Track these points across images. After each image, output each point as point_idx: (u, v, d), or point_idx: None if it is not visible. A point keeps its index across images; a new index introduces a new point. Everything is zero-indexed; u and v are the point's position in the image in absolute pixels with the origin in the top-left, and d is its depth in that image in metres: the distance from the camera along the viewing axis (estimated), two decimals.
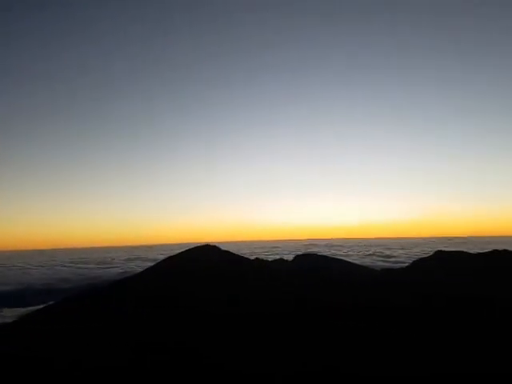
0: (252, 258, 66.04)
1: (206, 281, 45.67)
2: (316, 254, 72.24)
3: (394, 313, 30.83)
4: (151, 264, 69.66)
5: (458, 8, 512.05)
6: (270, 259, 72.99)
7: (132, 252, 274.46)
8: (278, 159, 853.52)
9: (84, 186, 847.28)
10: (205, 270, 50.06)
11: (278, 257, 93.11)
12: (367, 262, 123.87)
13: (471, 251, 59.17)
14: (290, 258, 76.77)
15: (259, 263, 58.94)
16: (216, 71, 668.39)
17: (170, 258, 60.28)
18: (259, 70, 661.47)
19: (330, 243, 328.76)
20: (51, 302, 50.89)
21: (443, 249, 60.39)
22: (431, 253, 59.01)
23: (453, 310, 31.25)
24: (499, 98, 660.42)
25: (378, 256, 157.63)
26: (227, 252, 59.80)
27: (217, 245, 63.07)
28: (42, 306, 51.59)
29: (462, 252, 57.24)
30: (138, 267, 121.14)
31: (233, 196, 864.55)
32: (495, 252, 51.00)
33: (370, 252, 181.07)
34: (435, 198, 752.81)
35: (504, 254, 49.75)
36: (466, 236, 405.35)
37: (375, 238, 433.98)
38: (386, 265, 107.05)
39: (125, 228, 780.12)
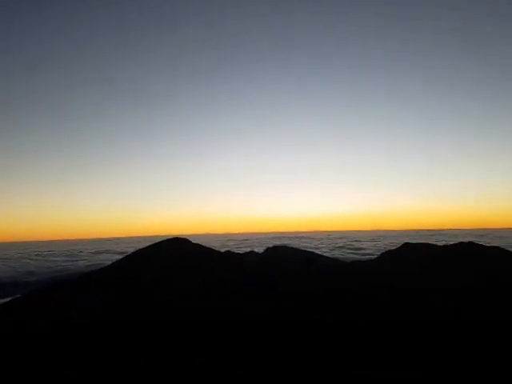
0: (223, 250, 65.20)
1: (175, 273, 44.98)
2: (286, 246, 72.30)
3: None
4: (120, 257, 67.88)
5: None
6: (241, 252, 72.27)
7: (100, 245, 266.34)
8: (248, 152, 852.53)
9: (50, 178, 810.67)
10: (174, 263, 49.28)
11: (249, 249, 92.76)
12: (337, 254, 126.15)
13: (438, 243, 61.03)
14: (260, 250, 76.42)
15: (230, 256, 58.23)
16: (201, 61, 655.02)
17: (139, 250, 59.11)
18: (240, 59, 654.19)
19: (300, 236, 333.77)
20: (17, 295, 50.20)
21: (411, 241, 61.68)
22: (399, 245, 60.28)
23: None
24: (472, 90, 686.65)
25: (348, 248, 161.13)
26: (197, 245, 58.93)
27: (187, 238, 61.99)
28: (7, 300, 49.41)
29: (428, 244, 58.93)
30: (107, 260, 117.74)
31: (204, 189, 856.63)
32: (460, 244, 52.65)
33: (340, 244, 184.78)
34: (405, 192, 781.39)
35: (469, 245, 51.42)
36: (434, 229, 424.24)
37: (345, 231, 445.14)
38: (356, 257, 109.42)
39: (93, 221, 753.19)
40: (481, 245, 52.63)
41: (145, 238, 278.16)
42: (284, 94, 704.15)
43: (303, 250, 68.84)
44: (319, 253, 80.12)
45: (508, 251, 50.21)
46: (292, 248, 72.73)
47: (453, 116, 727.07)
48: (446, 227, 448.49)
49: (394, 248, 60.45)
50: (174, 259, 50.50)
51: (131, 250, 69.72)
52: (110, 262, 68.95)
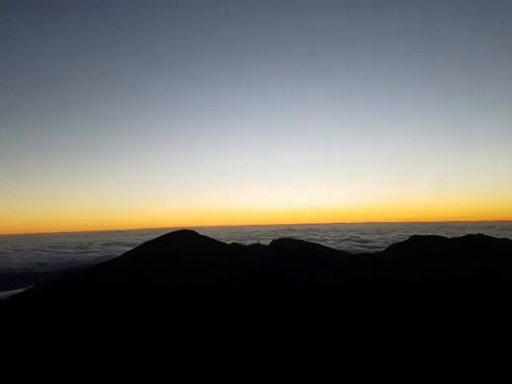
0: (229, 242, 65.43)
1: (182, 264, 45.29)
2: (292, 239, 72.05)
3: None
4: (129, 248, 68.40)
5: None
6: (247, 244, 72.44)
7: (110, 237, 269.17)
8: (257, 146, 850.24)
9: (64, 173, 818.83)
10: (181, 254, 49.52)
11: (255, 241, 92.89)
12: (344, 246, 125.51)
13: (447, 236, 60.58)
14: (266, 242, 76.52)
15: (235, 248, 58.40)
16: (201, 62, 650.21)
17: (148, 242, 59.60)
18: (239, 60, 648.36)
19: (307, 228, 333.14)
20: (29, 287, 50.77)
21: (419, 234, 61.23)
22: (407, 237, 59.90)
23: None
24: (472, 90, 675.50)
25: (355, 241, 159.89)
26: (204, 237, 59.18)
27: (195, 230, 62.29)
28: (20, 290, 50.56)
29: (436, 236, 58.44)
30: (116, 252, 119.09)
31: (212, 182, 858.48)
32: (469, 236, 52.20)
33: (347, 237, 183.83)
34: (412, 184, 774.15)
35: (478, 237, 50.96)
36: (441, 221, 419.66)
37: (352, 223, 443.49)
38: (363, 249, 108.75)
39: (103, 213, 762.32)
40: (490, 237, 52.10)
41: (154, 231, 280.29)
42: (291, 90, 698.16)
43: (308, 243, 68.69)
44: (325, 245, 79.69)
45: None
46: (297, 240, 72.49)
47: (459, 109, 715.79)
48: (454, 219, 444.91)
49: (401, 241, 60.07)
50: (181, 251, 50.76)
51: (140, 242, 70.29)
52: (119, 254, 69.84)
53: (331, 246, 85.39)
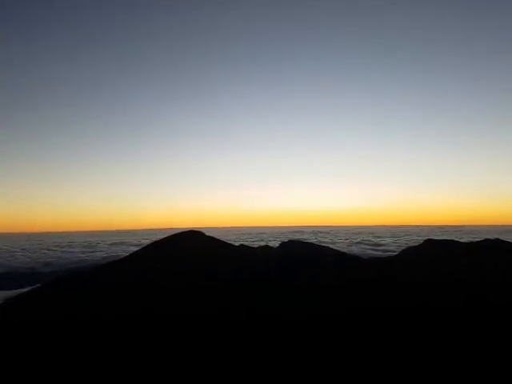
0: (237, 244, 64.53)
1: (188, 265, 44.71)
2: (301, 241, 70.90)
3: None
4: (136, 249, 68.20)
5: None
6: (255, 246, 71.44)
7: (117, 237, 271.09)
8: (267, 147, 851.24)
9: (70, 172, 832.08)
10: (187, 255, 48.90)
11: (263, 243, 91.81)
12: (355, 250, 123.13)
13: (462, 240, 58.52)
14: (275, 244, 75.39)
15: (243, 249, 57.46)
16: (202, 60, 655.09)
17: (155, 242, 59.45)
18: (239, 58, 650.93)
19: (317, 230, 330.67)
20: (37, 285, 51.02)
21: (433, 238, 59.37)
22: (421, 241, 58.12)
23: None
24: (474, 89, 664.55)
25: (366, 244, 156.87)
26: (212, 238, 58.52)
27: (202, 231, 61.66)
28: (26, 290, 50.41)
29: (452, 241, 56.48)
30: (123, 252, 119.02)
31: (220, 182, 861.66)
32: (486, 241, 50.18)
33: (358, 240, 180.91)
34: (426, 187, 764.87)
35: (496, 242, 48.92)
36: (456, 225, 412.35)
37: (363, 226, 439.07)
38: (375, 253, 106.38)
39: (111, 213, 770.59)
40: (507, 242, 50.09)
41: (161, 231, 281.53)
42: (296, 90, 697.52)
43: (319, 246, 67.46)
44: (336, 248, 78.23)
45: None
46: (307, 243, 71.52)
47: (477, 107, 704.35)
48: (471, 223, 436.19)
49: (415, 244, 58.26)
50: (188, 252, 50.09)
51: (147, 242, 69.98)
52: (125, 254, 69.60)
53: (342, 250, 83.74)
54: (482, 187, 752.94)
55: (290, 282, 37.79)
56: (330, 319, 25.53)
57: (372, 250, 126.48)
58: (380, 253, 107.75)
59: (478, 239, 53.06)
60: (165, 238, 58.89)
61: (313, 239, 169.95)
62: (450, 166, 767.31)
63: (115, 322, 26.52)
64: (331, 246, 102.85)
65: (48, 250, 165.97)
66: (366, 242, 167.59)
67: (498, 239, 49.62)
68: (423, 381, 17.10)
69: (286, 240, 70.19)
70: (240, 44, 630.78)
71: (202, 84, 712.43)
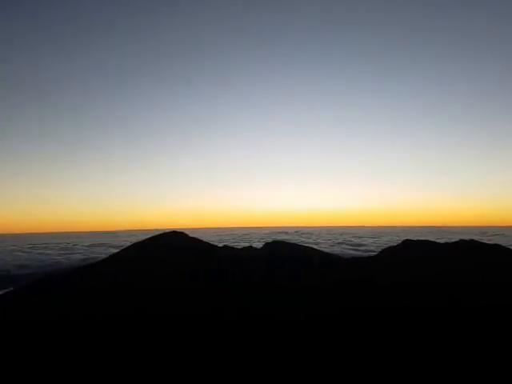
0: (221, 245, 64.57)
1: (170, 266, 44.43)
2: (285, 242, 71.48)
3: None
4: (116, 250, 67.21)
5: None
6: (239, 247, 71.61)
7: (96, 238, 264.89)
8: (251, 147, 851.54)
9: (47, 171, 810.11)
10: (170, 256, 48.62)
11: (247, 244, 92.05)
12: (337, 250, 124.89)
13: (439, 241, 60.31)
14: (259, 245, 75.76)
15: (227, 250, 57.55)
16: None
17: (136, 244, 58.76)
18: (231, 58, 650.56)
19: (300, 231, 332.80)
20: (10, 288, 50.11)
21: (412, 238, 60.85)
22: (399, 242, 59.50)
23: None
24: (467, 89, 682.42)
25: (348, 244, 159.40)
26: (195, 239, 58.35)
27: (185, 232, 61.43)
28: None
29: (428, 241, 58.07)
30: (102, 254, 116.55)
31: (203, 183, 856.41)
32: (461, 241, 51.87)
33: (340, 240, 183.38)
34: (407, 189, 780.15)
35: (469, 243, 50.64)
36: (435, 226, 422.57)
37: (345, 226, 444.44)
38: (356, 253, 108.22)
39: (89, 213, 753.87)
40: (481, 242, 51.89)
41: (143, 232, 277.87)
42: (284, 90, 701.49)
43: (302, 246, 68.21)
44: (318, 249, 79.17)
45: (508, 249, 49.50)
46: (291, 244, 72.03)
47: (453, 115, 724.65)
48: (447, 224, 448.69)
49: (394, 245, 59.64)
50: (170, 253, 49.83)
51: (128, 244, 69.16)
52: (105, 256, 68.26)
53: (324, 250, 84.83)
54: (458, 189, 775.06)
55: (274, 282, 38.05)
56: (315, 320, 25.88)
57: (353, 250, 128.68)
58: (360, 253, 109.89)
59: (453, 240, 54.84)
60: (146, 239, 58.36)
61: (296, 240, 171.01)
62: (428, 168, 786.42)
63: (81, 325, 26.13)
64: (314, 246, 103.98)
65: (23, 251, 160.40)
66: (348, 242, 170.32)
67: (472, 240, 51.47)
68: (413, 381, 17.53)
69: (270, 241, 70.64)
70: (238, 44, 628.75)
71: (184, 84, 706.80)
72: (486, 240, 61.51)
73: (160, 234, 59.23)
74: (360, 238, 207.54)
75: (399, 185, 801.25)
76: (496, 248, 48.26)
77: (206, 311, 28.48)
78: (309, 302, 30.69)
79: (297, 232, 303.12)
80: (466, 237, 58.00)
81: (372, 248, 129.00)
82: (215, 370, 19.25)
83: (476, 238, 55.44)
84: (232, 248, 63.17)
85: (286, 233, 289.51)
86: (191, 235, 60.49)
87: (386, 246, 72.04)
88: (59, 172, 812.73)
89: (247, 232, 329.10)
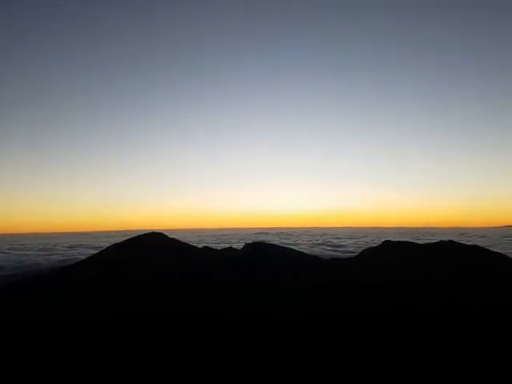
0: (200, 246, 63.66)
1: (150, 267, 43.40)
2: (265, 243, 71.26)
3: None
4: (95, 251, 65.55)
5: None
6: (219, 248, 70.78)
7: (75, 239, 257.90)
8: (230, 147, 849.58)
9: (25, 172, 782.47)
10: (148, 258, 47.53)
11: (227, 245, 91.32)
12: (317, 251, 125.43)
13: (419, 241, 61.34)
14: (239, 246, 75.22)
15: (206, 251, 56.79)
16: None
17: (116, 245, 57.47)
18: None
19: (281, 232, 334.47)
20: None
21: (392, 239, 61.73)
22: (379, 242, 60.16)
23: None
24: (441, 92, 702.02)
25: (328, 245, 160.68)
26: (174, 240, 57.33)
27: (164, 233, 60.23)
28: None
29: (407, 242, 58.94)
30: (81, 255, 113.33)
31: (183, 183, 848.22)
32: (440, 242, 52.82)
33: (320, 241, 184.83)
34: (387, 190, 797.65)
35: (449, 244, 51.60)
36: (416, 227, 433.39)
37: (325, 227, 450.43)
38: (336, 254, 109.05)
39: (68, 214, 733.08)
40: (459, 243, 52.98)
41: (121, 233, 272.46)
42: (263, 91, 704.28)
43: (282, 247, 68.10)
44: (298, 249, 79.23)
45: (486, 249, 50.73)
46: (271, 245, 71.78)
47: (428, 117, 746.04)
48: (428, 225, 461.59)
49: (374, 246, 60.21)
50: (149, 254, 48.72)
51: (107, 245, 67.36)
52: (84, 257, 66.52)
53: (304, 251, 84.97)
54: (437, 191, 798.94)
55: (254, 284, 37.64)
56: (293, 322, 25.57)
57: (333, 251, 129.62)
58: (340, 254, 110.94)
59: (433, 241, 55.89)
60: (125, 240, 57.16)
61: (277, 241, 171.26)
62: (407, 170, 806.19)
63: (54, 327, 25.30)
64: (294, 247, 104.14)
65: (1, 252, 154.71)
66: (328, 243, 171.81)
67: (451, 241, 52.47)
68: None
69: (250, 242, 70.23)
70: (234, 46, 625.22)
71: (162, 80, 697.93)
72: (464, 241, 62.94)
73: (139, 235, 58.01)
74: (339, 238, 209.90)
75: (378, 187, 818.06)
76: (474, 249, 49.31)
77: (183, 311, 27.88)
78: (289, 304, 30.36)
79: (277, 233, 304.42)
80: (445, 238, 59.05)
81: (351, 249, 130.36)
82: (193, 371, 18.71)
83: (455, 239, 56.53)
84: (211, 249, 62.41)
85: (267, 234, 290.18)
86: (170, 236, 59.30)
87: (366, 246, 72.86)
88: (38, 172, 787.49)
89: (227, 233, 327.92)
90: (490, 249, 54.47)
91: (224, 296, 32.83)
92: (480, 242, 75.27)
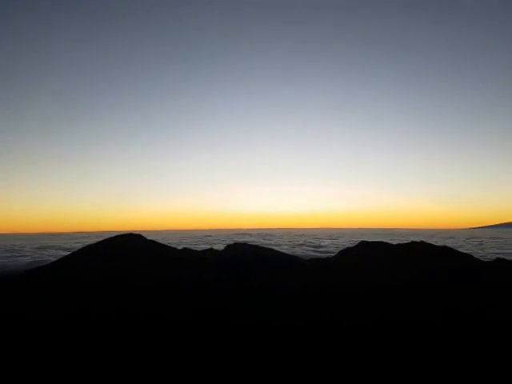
0: (180, 247, 63.22)
1: (127, 270, 42.73)
2: (247, 244, 71.31)
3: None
4: (66, 253, 63.82)
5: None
6: (199, 249, 70.46)
7: (45, 240, 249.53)
8: (212, 149, 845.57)
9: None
10: (126, 260, 46.74)
11: (208, 246, 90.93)
12: (298, 251, 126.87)
13: (393, 242, 62.96)
14: (221, 247, 75.08)
15: (186, 253, 56.41)
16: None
17: (89, 246, 55.95)
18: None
19: (262, 233, 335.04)
20: None
21: (368, 240, 63.07)
22: (356, 243, 61.34)
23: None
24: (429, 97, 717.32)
25: (308, 246, 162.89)
26: (153, 242, 56.54)
27: (143, 234, 59.34)
28: None
29: (382, 242, 60.39)
30: (51, 257, 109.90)
31: (163, 184, 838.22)
32: (412, 243, 54.41)
33: (301, 242, 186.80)
34: (364, 192, 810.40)
35: (420, 244, 53.25)
36: (391, 228, 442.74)
37: (306, 228, 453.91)
38: (316, 254, 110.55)
39: (38, 214, 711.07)
40: (430, 244, 54.71)
41: (96, 234, 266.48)
42: (238, 90, 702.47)
43: (264, 248, 68.40)
44: (279, 250, 79.81)
45: (453, 250, 52.69)
46: (253, 246, 72.00)
47: (399, 121, 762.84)
48: (402, 227, 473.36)
49: (351, 246, 61.38)
50: (127, 256, 48.01)
51: (79, 246, 65.85)
52: (53, 259, 64.43)
53: (286, 251, 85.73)
54: (409, 194, 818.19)
55: (236, 285, 37.66)
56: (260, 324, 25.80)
57: (313, 251, 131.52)
58: (319, 254, 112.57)
59: (405, 241, 57.50)
60: (99, 241, 55.79)
61: (259, 242, 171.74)
62: (381, 173, 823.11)
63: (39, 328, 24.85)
64: (276, 248, 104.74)
65: None
66: (308, 243, 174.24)
67: (422, 242, 54.16)
68: None
69: (232, 243, 70.22)
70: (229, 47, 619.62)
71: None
72: (433, 242, 65.10)
73: (115, 237, 56.77)
74: (319, 239, 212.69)
75: (355, 188, 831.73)
76: (444, 250, 51.05)
77: (156, 311, 27.76)
78: (276, 305, 30.39)
79: (259, 234, 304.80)
80: (417, 238, 60.92)
81: (331, 249, 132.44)
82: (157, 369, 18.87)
83: (425, 239, 58.40)
84: (191, 250, 61.93)
85: (249, 235, 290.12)
86: (149, 238, 58.53)
87: (344, 246, 74.15)
88: (7, 172, 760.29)
89: (209, 234, 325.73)
90: (459, 249, 56.55)
91: (200, 298, 32.86)
92: (448, 243, 77.93)
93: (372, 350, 20.92)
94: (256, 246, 72.52)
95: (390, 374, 18.33)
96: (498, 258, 50.68)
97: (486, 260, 56.56)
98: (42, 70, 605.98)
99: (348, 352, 20.72)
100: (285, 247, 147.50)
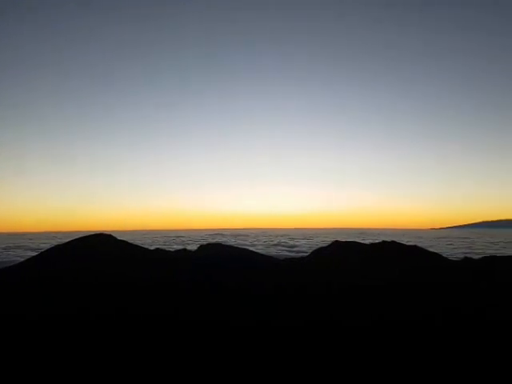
0: (152, 248, 61.95)
1: (95, 272, 41.32)
2: (221, 244, 70.99)
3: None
4: (33, 254, 61.42)
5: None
6: (172, 249, 69.35)
7: (12, 240, 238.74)
8: (187, 147, 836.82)
9: None
10: (96, 261, 45.24)
11: (181, 247, 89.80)
12: (272, 251, 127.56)
13: (365, 241, 64.48)
14: (193, 247, 74.22)
15: (159, 253, 55.34)
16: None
17: (57, 247, 54.15)
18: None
19: (236, 233, 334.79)
20: None
21: (341, 239, 64.27)
22: (329, 242, 62.33)
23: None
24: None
25: (283, 246, 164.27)
26: (124, 242, 55.18)
27: (113, 234, 57.78)
28: None
29: (355, 242, 61.76)
30: (18, 257, 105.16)
31: (134, 181, 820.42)
32: (383, 242, 55.91)
33: (275, 242, 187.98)
34: (337, 193, 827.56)
35: (391, 244, 54.76)
36: (363, 228, 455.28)
37: (280, 228, 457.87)
38: (290, 254, 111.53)
39: (5, 214, 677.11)
40: (401, 243, 56.41)
41: (65, 234, 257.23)
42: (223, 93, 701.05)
43: (238, 248, 68.26)
44: (254, 250, 79.85)
45: (423, 249, 54.64)
46: (226, 246, 71.66)
47: (372, 120, 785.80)
48: (370, 226, 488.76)
49: (325, 246, 62.26)
50: (96, 258, 46.41)
51: (47, 246, 63.30)
52: (21, 259, 62.26)
53: (260, 251, 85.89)
54: (381, 194, 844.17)
55: (209, 286, 37.20)
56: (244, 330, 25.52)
57: (288, 251, 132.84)
58: (294, 254, 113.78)
59: (377, 240, 59.13)
60: (68, 241, 54.06)
61: (233, 242, 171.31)
62: (354, 172, 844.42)
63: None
64: (251, 248, 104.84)
65: None
66: (283, 243, 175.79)
67: (393, 241, 55.75)
68: None
69: (205, 243, 69.60)
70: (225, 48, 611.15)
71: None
72: (404, 241, 67.27)
73: (84, 237, 55.03)
74: (294, 239, 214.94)
75: (329, 189, 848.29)
76: (414, 249, 52.72)
77: (127, 311, 26.94)
78: (255, 307, 30.10)
79: (233, 234, 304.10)
80: (388, 238, 62.73)
81: (304, 249, 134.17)
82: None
83: (396, 239, 60.23)
84: (164, 251, 60.92)
85: (223, 235, 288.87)
86: (120, 238, 57.02)
87: (317, 246, 75.16)
88: None
89: (182, 234, 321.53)
90: (429, 249, 58.67)
91: (175, 300, 32.11)
92: (418, 243, 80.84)
93: (353, 348, 21.06)
94: (230, 247, 72.24)
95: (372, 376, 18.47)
96: (466, 257, 52.98)
97: (454, 259, 58.97)
98: (40, 69, 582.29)
99: (332, 351, 20.73)
100: (260, 247, 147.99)
